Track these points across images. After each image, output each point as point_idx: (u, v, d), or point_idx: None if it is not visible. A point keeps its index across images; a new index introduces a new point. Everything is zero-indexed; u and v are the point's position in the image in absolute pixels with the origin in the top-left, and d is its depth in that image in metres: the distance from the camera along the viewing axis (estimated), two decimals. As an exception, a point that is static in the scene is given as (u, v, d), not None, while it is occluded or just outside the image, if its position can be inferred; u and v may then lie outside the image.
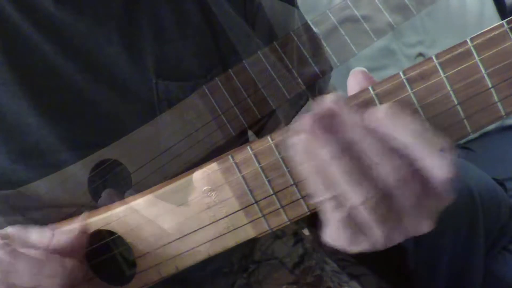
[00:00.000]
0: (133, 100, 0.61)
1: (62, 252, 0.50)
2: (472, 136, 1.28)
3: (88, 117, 0.60)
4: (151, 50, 0.62)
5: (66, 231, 0.51)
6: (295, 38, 0.63)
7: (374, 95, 0.40)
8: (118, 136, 0.59)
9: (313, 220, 0.81)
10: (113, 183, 0.58)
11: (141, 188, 0.54)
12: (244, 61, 0.61)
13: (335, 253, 0.76)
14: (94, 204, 0.58)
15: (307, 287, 0.66)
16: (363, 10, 0.62)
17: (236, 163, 0.44)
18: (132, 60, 0.61)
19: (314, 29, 0.63)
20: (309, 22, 0.63)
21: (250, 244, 0.71)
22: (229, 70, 0.61)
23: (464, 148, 1.21)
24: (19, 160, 0.58)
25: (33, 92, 0.58)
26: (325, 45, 0.63)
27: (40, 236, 0.51)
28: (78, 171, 0.58)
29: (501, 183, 0.97)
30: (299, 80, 0.63)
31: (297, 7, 0.75)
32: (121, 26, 0.61)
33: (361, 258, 0.79)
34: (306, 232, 0.73)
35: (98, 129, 0.60)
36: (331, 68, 0.64)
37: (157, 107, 0.62)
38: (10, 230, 0.52)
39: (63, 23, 0.59)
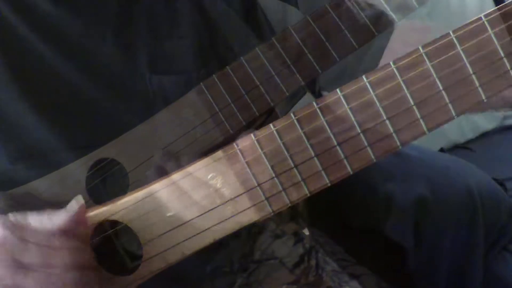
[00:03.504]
0: (128, 96, 0.62)
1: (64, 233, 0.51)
2: (472, 136, 1.27)
3: (85, 115, 0.60)
4: (145, 47, 0.63)
5: (63, 212, 0.51)
6: (294, 34, 0.63)
7: (367, 83, 0.44)
8: (116, 133, 0.59)
9: (314, 219, 0.81)
10: (111, 182, 0.58)
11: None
12: (241, 58, 0.62)
13: (335, 253, 0.76)
14: (92, 203, 0.58)
15: (307, 287, 0.66)
16: (364, 4, 0.62)
17: (240, 150, 0.47)
18: (127, 57, 0.62)
19: (313, 24, 0.63)
20: (308, 17, 0.63)
21: (250, 244, 0.71)
22: (227, 67, 0.61)
23: (464, 148, 1.21)
24: (19, 160, 0.58)
25: (30, 92, 0.58)
26: (324, 40, 0.63)
27: (39, 221, 0.51)
28: (76, 170, 0.58)
29: (501, 183, 0.96)
30: (298, 76, 0.63)
31: (297, 7, 0.75)
32: (116, 24, 0.62)
33: (361, 258, 0.79)
34: (306, 231, 0.73)
35: (95, 126, 0.60)
36: (332, 64, 0.64)
37: (152, 102, 0.62)
38: (10, 217, 0.52)
39: (59, 22, 0.59)
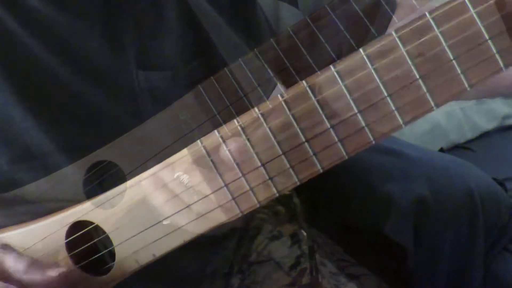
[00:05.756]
0: (116, 92, 0.62)
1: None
2: (472, 136, 1.26)
3: (73, 111, 0.61)
4: (131, 43, 0.63)
5: (42, 272, 0.51)
6: (293, 35, 0.63)
7: (335, 72, 0.40)
8: (103, 129, 0.59)
9: (313, 220, 0.81)
10: (108, 184, 0.58)
11: None
12: (239, 59, 0.61)
13: (334, 253, 0.76)
14: None
15: (304, 289, 0.66)
16: (363, 4, 0.62)
17: (204, 147, 0.45)
18: (114, 53, 0.62)
19: (312, 25, 0.63)
20: (307, 18, 0.62)
21: (248, 245, 0.71)
22: (225, 68, 0.61)
23: (464, 148, 1.21)
24: (16, 161, 0.58)
25: (18, 87, 0.59)
26: (323, 40, 0.62)
27: (15, 265, 0.51)
28: (74, 173, 0.58)
29: (501, 183, 0.96)
30: (297, 77, 0.63)
31: (297, 7, 0.75)
32: (102, 19, 0.62)
33: (361, 258, 0.79)
34: (303, 233, 0.73)
35: (83, 122, 0.61)
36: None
37: (139, 97, 0.62)
38: None
39: (46, 17, 0.60)
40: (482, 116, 1.22)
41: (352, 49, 0.63)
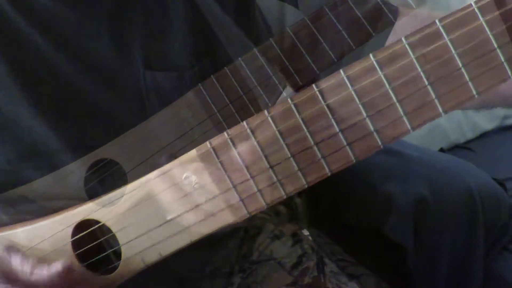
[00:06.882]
0: (122, 91, 0.62)
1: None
2: (472, 136, 1.26)
3: (79, 109, 0.61)
4: (139, 43, 0.63)
5: (47, 270, 0.51)
6: (292, 35, 0.63)
7: (345, 77, 0.40)
8: (110, 129, 0.59)
9: (314, 220, 0.81)
10: (109, 182, 0.58)
11: None
12: (239, 58, 0.62)
13: (334, 253, 0.76)
14: None
15: (306, 288, 0.66)
16: (361, 5, 0.62)
17: (213, 148, 0.45)
18: (120, 52, 0.62)
19: (310, 25, 0.63)
20: (306, 19, 0.63)
21: (249, 244, 0.71)
22: (225, 68, 0.62)
23: (464, 148, 1.21)
24: (17, 160, 0.58)
25: (24, 85, 0.59)
26: (322, 41, 0.63)
27: (21, 266, 0.51)
28: (75, 170, 0.58)
29: (501, 183, 0.96)
30: (296, 77, 0.64)
31: (297, 6, 0.75)
32: (110, 18, 0.62)
33: (361, 258, 0.79)
34: (305, 232, 0.73)
35: (88, 121, 0.61)
36: (330, 64, 0.64)
37: (146, 97, 0.63)
38: None
39: (55, 15, 0.60)
40: (482, 116, 1.23)
41: (351, 50, 0.63)
